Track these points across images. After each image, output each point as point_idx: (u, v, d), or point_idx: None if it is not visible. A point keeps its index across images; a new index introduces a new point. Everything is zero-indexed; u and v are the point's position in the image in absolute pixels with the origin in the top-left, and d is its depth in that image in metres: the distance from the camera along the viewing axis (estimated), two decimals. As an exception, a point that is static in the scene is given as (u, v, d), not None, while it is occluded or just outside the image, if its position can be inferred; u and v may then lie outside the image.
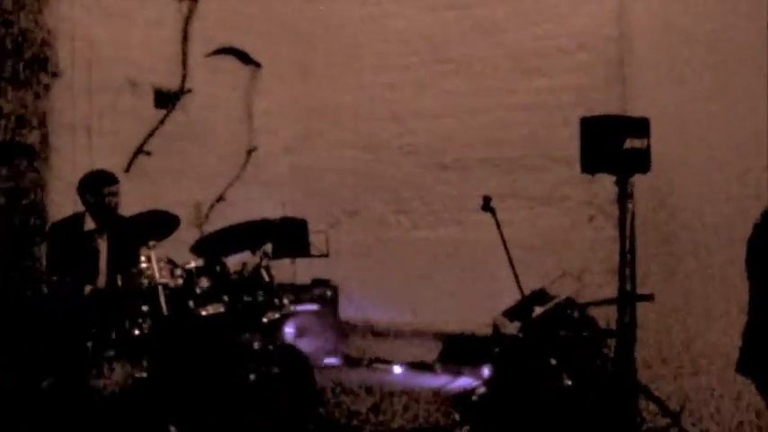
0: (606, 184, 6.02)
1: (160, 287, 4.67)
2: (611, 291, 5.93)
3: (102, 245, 5.33)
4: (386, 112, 7.99)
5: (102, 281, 5.27)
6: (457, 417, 5.71)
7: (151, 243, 4.76)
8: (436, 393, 6.40)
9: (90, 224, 5.31)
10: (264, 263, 5.25)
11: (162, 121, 6.77)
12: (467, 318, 7.14)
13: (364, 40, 8.10)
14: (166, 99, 6.91)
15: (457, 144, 7.68)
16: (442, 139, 7.74)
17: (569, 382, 5.30)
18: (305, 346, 6.66)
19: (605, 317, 6.09)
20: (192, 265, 5.03)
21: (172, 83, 6.98)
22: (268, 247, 5.50)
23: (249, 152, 7.58)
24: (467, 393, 5.98)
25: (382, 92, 8.02)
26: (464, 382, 6.65)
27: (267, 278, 5.23)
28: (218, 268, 5.09)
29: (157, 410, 4.69)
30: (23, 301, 5.66)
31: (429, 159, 7.82)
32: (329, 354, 7.52)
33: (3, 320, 5.51)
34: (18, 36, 5.76)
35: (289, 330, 7.12)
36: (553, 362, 5.41)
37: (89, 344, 4.98)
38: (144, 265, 4.78)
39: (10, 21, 5.73)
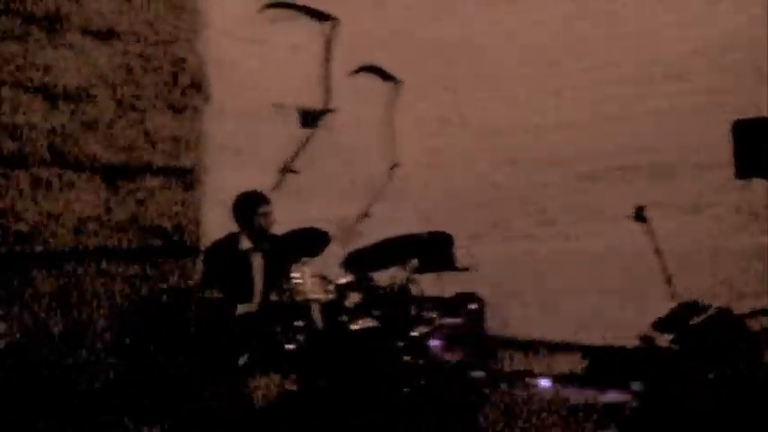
0: (757, 188, 5.78)
1: (314, 302, 4.78)
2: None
3: (257, 265, 5.50)
4: (526, 123, 7.92)
5: (256, 297, 5.46)
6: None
7: (304, 259, 4.87)
8: (585, 407, 6.26)
9: (245, 244, 5.50)
10: (412, 277, 5.29)
11: (307, 141, 6.95)
12: (614, 330, 6.97)
13: (502, 52, 8.05)
14: (311, 119, 7.09)
15: (599, 153, 7.52)
16: (583, 148, 7.60)
17: (728, 396, 5.10)
18: (451, 359, 6.65)
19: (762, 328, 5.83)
20: (343, 280, 5.12)
21: (315, 103, 7.17)
22: (415, 262, 5.55)
23: (392, 168, 7.67)
24: (618, 407, 5.83)
25: (521, 103, 7.95)
26: (614, 395, 6.48)
27: (415, 292, 5.27)
28: (367, 283, 5.17)
29: (309, 423, 4.78)
30: (178, 318, 5.92)
31: (571, 169, 7.69)
32: (475, 367, 7.47)
33: (159, 337, 5.77)
34: (174, 64, 6.07)
35: (434, 344, 7.12)
36: (710, 375, 5.21)
37: (243, 358, 5.17)
38: (297, 281, 4.90)
39: (167, 51, 6.04)
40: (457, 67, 8.30)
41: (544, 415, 6.08)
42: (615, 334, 6.87)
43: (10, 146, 5.22)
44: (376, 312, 5.11)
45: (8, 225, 5.15)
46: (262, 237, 5.43)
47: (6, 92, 5.24)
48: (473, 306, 7.62)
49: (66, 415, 4.28)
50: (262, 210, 5.40)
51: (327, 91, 7.23)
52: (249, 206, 5.43)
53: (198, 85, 6.23)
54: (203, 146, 6.25)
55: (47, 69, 5.43)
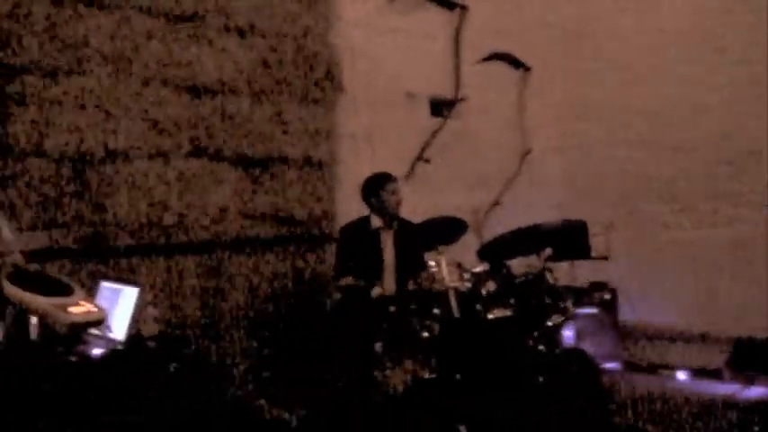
0: None
1: (451, 291, 4.80)
2: None
3: (388, 244, 5.59)
4: (658, 108, 7.71)
5: (388, 283, 5.54)
6: (756, 429, 5.36)
7: (441, 247, 4.90)
8: (727, 402, 6.04)
9: (376, 224, 5.60)
10: (548, 266, 5.24)
11: (438, 130, 6.98)
12: (757, 320, 6.72)
13: (631, 36, 7.87)
14: (441, 108, 7.13)
15: (735, 138, 7.26)
16: (718, 133, 7.35)
17: None
18: (585, 349, 6.55)
19: None
20: (478, 269, 5.12)
21: (446, 92, 7.19)
22: (549, 251, 5.50)
23: (523, 155, 7.62)
24: (765, 403, 5.62)
25: (653, 88, 7.74)
26: (759, 390, 6.24)
27: (551, 281, 5.22)
28: (503, 272, 5.15)
29: (446, 411, 4.80)
30: (315, 305, 6.06)
31: (706, 155, 7.45)
32: (609, 358, 7.34)
33: (297, 323, 5.93)
34: (309, 57, 6.19)
35: (568, 334, 7.04)
36: None
37: (379, 344, 5.24)
38: (434, 269, 4.93)
39: (301, 44, 6.17)
40: (587, 51, 8.16)
41: (682, 409, 5.93)
42: (759, 325, 6.64)
43: (156, 140, 5.43)
44: (512, 301, 5.07)
45: (157, 217, 5.37)
46: (391, 215, 5.53)
47: (152, 88, 5.44)
48: (606, 295, 7.50)
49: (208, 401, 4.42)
50: (387, 187, 5.51)
51: (458, 79, 7.24)
52: (374, 185, 5.56)
53: (331, 77, 6.32)
54: (337, 136, 6.37)
55: (189, 66, 5.62)
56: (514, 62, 7.74)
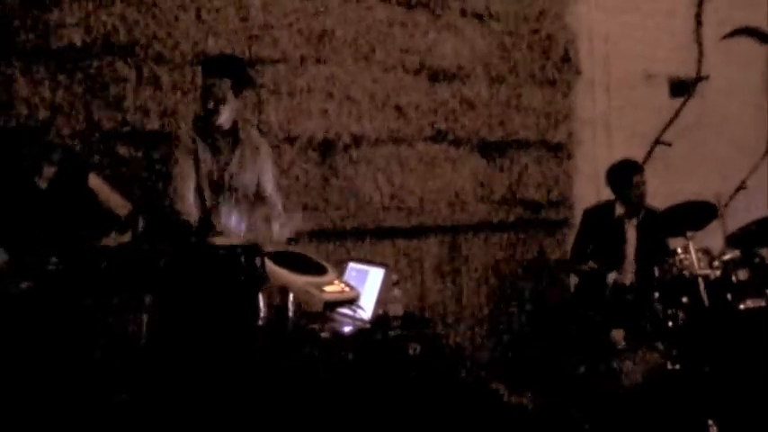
0: None
1: (700, 278, 4.60)
2: None
3: (631, 233, 5.46)
4: None
5: (628, 269, 5.40)
6: None
7: (689, 234, 4.70)
8: None
9: (620, 211, 5.49)
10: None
11: (679, 111, 6.70)
12: None
13: None
14: (682, 88, 6.84)
15: None
16: None
17: None
18: None
19: None
20: (728, 256, 4.87)
21: (686, 71, 6.88)
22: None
23: (770, 137, 7.16)
24: None
25: None
26: None
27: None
28: (756, 260, 4.86)
29: (693, 405, 4.62)
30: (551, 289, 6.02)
31: None
32: None
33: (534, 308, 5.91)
34: (545, 40, 6.12)
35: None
36: None
37: (618, 332, 5.12)
38: (682, 256, 4.74)
39: (537, 28, 6.12)
40: None
41: None
42: None
43: (398, 125, 5.57)
44: (766, 291, 4.78)
45: (399, 200, 5.52)
46: (636, 205, 5.41)
47: (393, 75, 5.58)
48: None
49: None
50: (636, 178, 5.40)
51: (700, 57, 6.91)
52: (623, 174, 5.44)
53: (568, 59, 6.24)
54: (574, 119, 6.27)
55: (428, 52, 5.71)
56: (762, 36, 7.27)
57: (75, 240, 3.63)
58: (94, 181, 3.83)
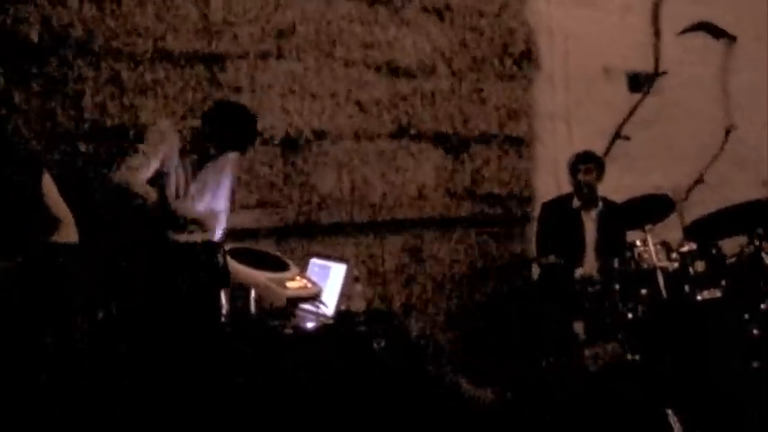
0: None
1: (659, 270, 4.67)
2: None
3: (589, 224, 5.53)
4: None
5: (588, 263, 5.47)
6: None
7: (647, 227, 4.77)
8: None
9: (577, 204, 5.60)
10: (764, 246, 4.98)
11: (637, 106, 6.78)
12: None
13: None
14: (640, 83, 6.91)
15: None
16: None
17: None
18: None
19: None
20: (687, 248, 4.95)
21: (644, 66, 6.96)
22: (761, 230, 5.22)
23: (727, 132, 7.25)
24: None
25: None
26: None
27: (766, 263, 4.96)
28: (713, 252, 4.95)
29: (652, 394, 4.68)
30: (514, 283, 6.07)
31: None
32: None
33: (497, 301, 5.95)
34: (505, 35, 6.17)
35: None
36: None
37: (579, 324, 5.19)
38: (640, 249, 4.81)
39: (498, 22, 6.16)
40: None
41: None
42: None
43: (360, 121, 5.58)
44: (723, 283, 4.86)
45: (361, 196, 5.53)
46: (585, 196, 5.52)
47: (354, 71, 5.60)
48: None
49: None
50: (583, 166, 5.54)
51: (657, 53, 6.99)
52: (572, 164, 5.62)
53: (528, 54, 6.28)
54: (535, 114, 6.32)
55: (389, 47, 5.73)
56: (717, 32, 7.36)
57: (25, 238, 3.59)
58: (47, 182, 3.78)
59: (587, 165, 5.54)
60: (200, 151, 4.14)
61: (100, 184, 4.36)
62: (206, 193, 4.18)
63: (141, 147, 4.03)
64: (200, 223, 4.09)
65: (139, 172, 3.97)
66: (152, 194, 3.96)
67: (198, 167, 4.16)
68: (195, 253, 3.96)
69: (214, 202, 4.25)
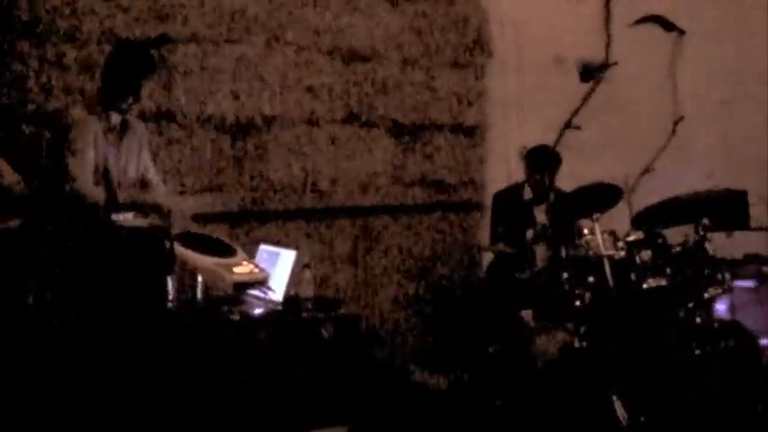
0: None
1: (605, 259, 4.71)
2: None
3: (539, 216, 5.57)
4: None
5: (538, 252, 5.50)
6: None
7: (595, 215, 4.80)
8: None
9: (529, 195, 5.63)
10: (707, 236, 5.06)
11: (588, 95, 6.83)
12: None
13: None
14: (591, 73, 6.95)
15: None
16: None
17: None
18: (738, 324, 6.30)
19: None
20: (632, 237, 4.99)
21: (596, 56, 7.01)
22: (706, 220, 5.30)
23: (676, 122, 7.35)
24: None
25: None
26: None
27: (710, 252, 5.03)
28: (658, 241, 5.00)
29: (599, 381, 4.73)
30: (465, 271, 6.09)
31: None
32: (764, 333, 7.04)
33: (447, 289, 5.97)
34: (458, 22, 6.17)
35: (720, 307, 6.78)
36: None
37: (528, 312, 5.22)
38: (588, 237, 4.84)
39: (451, 10, 6.16)
40: (746, 12, 7.78)
41: None
42: None
43: (310, 107, 5.54)
44: (668, 271, 4.92)
45: (311, 182, 5.50)
46: (541, 190, 5.54)
47: (305, 55, 5.56)
48: (764, 268, 7.18)
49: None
50: (544, 164, 5.55)
51: (608, 43, 7.05)
52: (530, 160, 5.62)
53: (481, 42, 6.30)
54: (487, 102, 6.34)
55: (341, 33, 5.70)
56: (667, 25, 7.44)
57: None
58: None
59: (550, 165, 5.60)
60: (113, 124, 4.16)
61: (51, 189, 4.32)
62: (131, 162, 4.24)
63: (75, 146, 4.00)
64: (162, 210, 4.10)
65: (85, 173, 3.99)
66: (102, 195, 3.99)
67: (119, 141, 4.19)
68: (140, 237, 3.90)
69: (143, 172, 4.33)
